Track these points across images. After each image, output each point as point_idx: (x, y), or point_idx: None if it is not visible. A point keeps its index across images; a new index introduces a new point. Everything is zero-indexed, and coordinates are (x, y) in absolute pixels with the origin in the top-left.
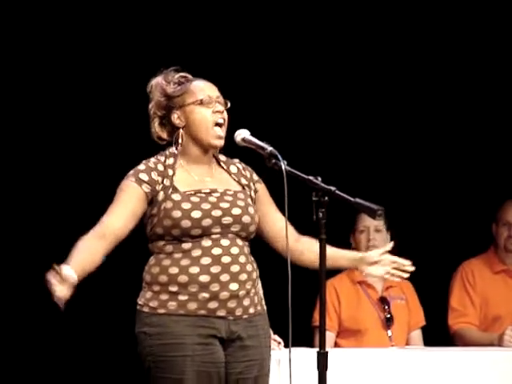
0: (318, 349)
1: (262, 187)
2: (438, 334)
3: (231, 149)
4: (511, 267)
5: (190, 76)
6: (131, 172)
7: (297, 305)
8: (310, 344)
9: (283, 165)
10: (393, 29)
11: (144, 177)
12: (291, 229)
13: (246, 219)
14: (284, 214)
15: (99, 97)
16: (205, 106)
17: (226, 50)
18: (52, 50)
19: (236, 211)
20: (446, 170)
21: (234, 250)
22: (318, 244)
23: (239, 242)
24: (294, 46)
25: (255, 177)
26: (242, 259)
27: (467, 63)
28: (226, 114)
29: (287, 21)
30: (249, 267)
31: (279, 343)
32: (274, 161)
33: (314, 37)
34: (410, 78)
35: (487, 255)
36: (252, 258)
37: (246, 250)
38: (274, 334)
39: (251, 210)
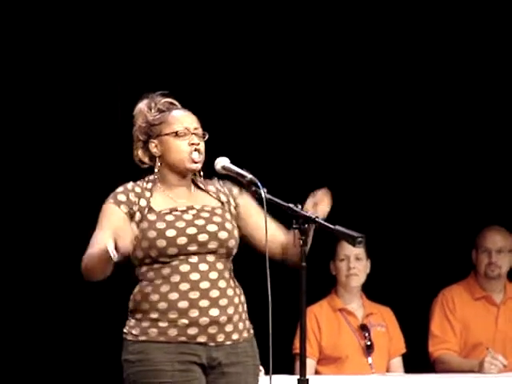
0: (298, 376)
1: (244, 200)
2: (419, 360)
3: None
4: (491, 294)
5: (175, 102)
6: (110, 195)
7: (277, 332)
8: (290, 371)
9: (263, 192)
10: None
11: (122, 198)
12: (279, 232)
13: (222, 235)
14: (265, 242)
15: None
16: (180, 137)
17: (208, 74)
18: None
19: (212, 228)
20: (427, 197)
21: (213, 275)
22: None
23: (219, 265)
24: (276, 74)
25: (235, 191)
26: (222, 284)
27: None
28: (202, 146)
29: (273, 43)
30: (229, 292)
31: (260, 370)
32: (254, 188)
33: (296, 66)
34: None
35: (467, 281)
36: (235, 283)
37: (227, 274)
38: None
39: (228, 225)
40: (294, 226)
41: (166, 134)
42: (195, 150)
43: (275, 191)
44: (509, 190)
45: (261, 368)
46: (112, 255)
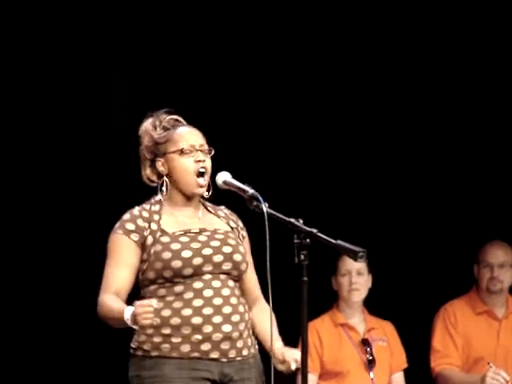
0: None
1: (246, 238)
2: (421, 375)
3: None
4: (493, 308)
5: (180, 119)
6: (117, 224)
7: None
8: None
9: (264, 207)
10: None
11: (130, 226)
12: (257, 289)
13: (237, 257)
14: (266, 257)
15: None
16: (186, 155)
17: (208, 86)
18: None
19: (227, 249)
20: (428, 212)
21: (225, 292)
22: (264, 317)
23: (230, 283)
24: (277, 87)
25: (240, 224)
26: (234, 300)
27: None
28: (208, 163)
29: (274, 49)
30: (241, 308)
31: None
32: (255, 203)
33: (298, 78)
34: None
35: (469, 296)
36: (244, 300)
37: (237, 291)
38: None
39: (241, 249)
40: (296, 241)
41: (172, 152)
42: (201, 167)
43: (276, 206)
44: (511, 204)
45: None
46: (129, 324)
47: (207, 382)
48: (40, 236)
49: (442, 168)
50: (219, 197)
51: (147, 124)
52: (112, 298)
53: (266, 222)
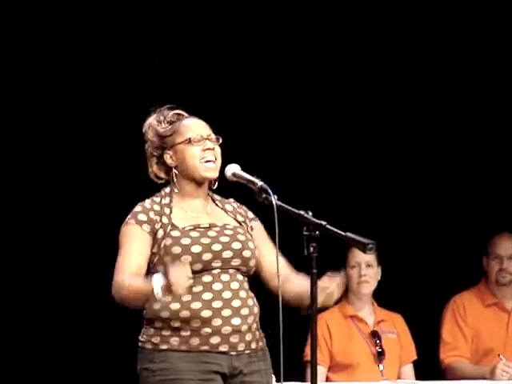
0: (309, 383)
1: (257, 225)
2: (430, 367)
3: (223, 184)
4: (502, 300)
5: (183, 113)
6: (129, 216)
7: (288, 339)
8: (301, 379)
9: (274, 199)
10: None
11: (143, 217)
12: (288, 269)
13: (246, 253)
14: (275, 248)
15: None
16: (194, 144)
17: (215, 79)
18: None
19: (236, 245)
20: (437, 204)
21: (234, 285)
22: (300, 281)
23: (239, 276)
24: (286, 81)
25: (250, 215)
26: (243, 294)
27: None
28: (217, 150)
29: (278, 48)
30: (250, 302)
31: (272, 378)
32: (264, 195)
33: (304, 75)
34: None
35: (478, 288)
36: (252, 294)
37: (246, 285)
38: None
39: (251, 244)
40: (305, 233)
41: (180, 143)
42: (210, 156)
43: (286, 198)
44: None
45: (272, 375)
46: (159, 297)
47: (217, 376)
48: (47, 233)
49: (452, 160)
50: (228, 190)
51: (151, 120)
52: (131, 276)
53: (276, 215)
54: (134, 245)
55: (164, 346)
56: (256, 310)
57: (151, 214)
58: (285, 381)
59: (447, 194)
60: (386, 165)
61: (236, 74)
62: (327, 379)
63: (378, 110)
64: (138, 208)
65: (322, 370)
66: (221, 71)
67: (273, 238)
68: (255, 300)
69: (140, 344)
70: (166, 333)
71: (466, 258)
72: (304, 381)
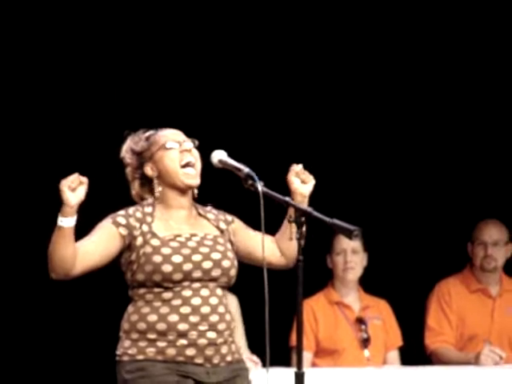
0: (295, 369)
1: (236, 224)
2: (415, 353)
3: (209, 171)
4: (487, 286)
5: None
6: (110, 215)
7: (274, 325)
8: (287, 364)
9: (260, 186)
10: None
11: (122, 220)
12: (270, 243)
13: (225, 263)
14: (261, 236)
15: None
16: (171, 149)
17: (206, 70)
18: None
19: (216, 256)
20: (423, 190)
21: (213, 301)
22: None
23: (219, 291)
24: (274, 70)
25: (229, 217)
26: (221, 309)
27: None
28: (195, 153)
29: (270, 42)
30: (227, 317)
31: (257, 363)
32: (250, 182)
33: (294, 64)
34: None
35: (463, 274)
36: (229, 309)
37: (225, 300)
38: (252, 353)
39: (230, 254)
40: (290, 219)
41: (157, 150)
42: (189, 156)
43: (272, 185)
44: (504, 182)
45: (258, 361)
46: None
47: (192, 382)
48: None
49: (438, 146)
50: (214, 177)
51: (127, 142)
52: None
53: (262, 201)
54: (96, 235)
55: (140, 357)
56: (232, 325)
57: (131, 220)
58: (270, 366)
59: (433, 181)
60: (371, 152)
61: (234, 71)
62: (313, 365)
63: (363, 97)
64: (120, 211)
65: (307, 356)
66: (220, 71)
67: (259, 224)
68: (231, 315)
69: (117, 358)
70: (142, 344)
71: (451, 243)
72: (290, 366)
